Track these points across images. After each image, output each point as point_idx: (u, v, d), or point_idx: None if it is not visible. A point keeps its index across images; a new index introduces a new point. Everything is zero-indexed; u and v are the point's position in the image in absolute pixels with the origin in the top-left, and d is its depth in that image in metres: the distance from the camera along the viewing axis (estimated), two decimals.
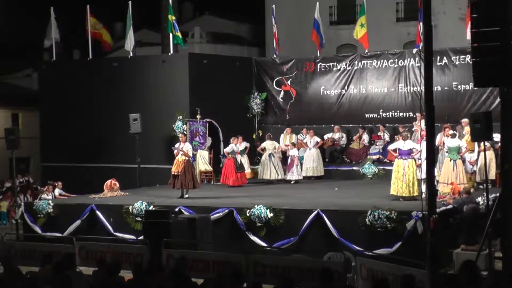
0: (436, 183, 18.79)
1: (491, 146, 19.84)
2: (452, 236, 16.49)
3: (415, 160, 18.14)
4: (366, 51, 26.40)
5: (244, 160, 24.32)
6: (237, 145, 23.73)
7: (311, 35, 27.34)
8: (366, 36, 26.11)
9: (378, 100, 26.14)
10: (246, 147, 24.38)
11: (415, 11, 24.48)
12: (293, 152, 24.07)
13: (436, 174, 18.88)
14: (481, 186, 19.00)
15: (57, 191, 22.72)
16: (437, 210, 13.83)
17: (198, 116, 24.64)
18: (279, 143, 25.12)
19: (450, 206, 17.19)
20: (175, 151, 20.55)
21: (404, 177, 18.17)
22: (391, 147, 19.67)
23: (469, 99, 24.51)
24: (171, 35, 25.98)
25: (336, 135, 26.13)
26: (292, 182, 23.84)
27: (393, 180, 18.47)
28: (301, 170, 24.32)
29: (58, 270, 10.95)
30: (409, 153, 18.28)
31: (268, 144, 24.52)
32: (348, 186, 22.70)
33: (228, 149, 23.71)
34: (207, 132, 24.90)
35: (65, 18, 27.99)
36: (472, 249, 15.01)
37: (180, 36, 25.53)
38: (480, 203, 17.09)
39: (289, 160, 24.14)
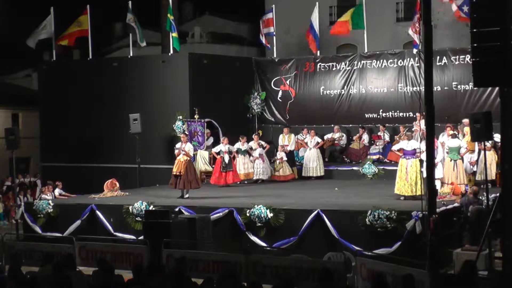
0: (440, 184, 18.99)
1: (492, 146, 19.84)
2: (455, 236, 16.49)
3: (421, 160, 18.12)
4: (366, 51, 26.43)
5: (246, 160, 24.34)
6: (226, 145, 23.53)
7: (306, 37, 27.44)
8: (338, 23, 26.38)
9: (378, 100, 26.14)
10: (249, 148, 24.47)
11: (415, 11, 24.46)
12: (257, 152, 24.16)
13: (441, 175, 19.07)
14: (482, 186, 19.00)
15: (57, 191, 22.76)
16: (437, 210, 13.84)
17: (196, 116, 24.64)
18: (278, 142, 25.20)
19: (456, 205, 17.19)
20: (176, 151, 20.57)
21: (407, 176, 18.21)
22: (395, 147, 19.68)
23: (469, 99, 24.52)
24: (171, 35, 26.00)
25: (336, 135, 26.14)
26: (259, 182, 24.13)
27: (397, 180, 18.55)
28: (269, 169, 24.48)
29: (58, 270, 10.96)
30: (413, 153, 18.32)
31: (255, 144, 24.64)
32: (348, 186, 22.68)
33: (215, 149, 23.71)
34: (205, 132, 24.87)
35: (65, 18, 27.94)
36: (472, 249, 15.01)
37: (176, 36, 25.54)
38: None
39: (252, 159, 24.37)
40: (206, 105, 25.23)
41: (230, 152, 23.47)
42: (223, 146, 23.50)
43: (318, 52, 27.25)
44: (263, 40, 27.62)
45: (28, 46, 27.65)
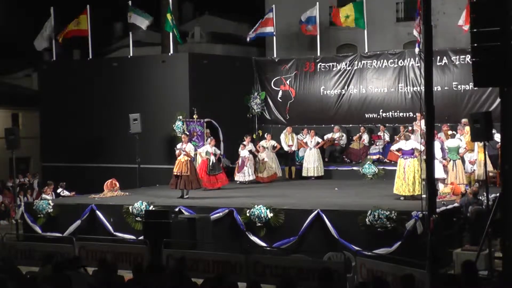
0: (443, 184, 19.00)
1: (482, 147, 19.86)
2: (455, 236, 16.49)
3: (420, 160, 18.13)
4: (366, 51, 26.45)
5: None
6: (212, 146, 23.17)
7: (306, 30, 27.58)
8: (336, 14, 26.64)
9: (378, 100, 26.15)
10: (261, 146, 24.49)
11: (415, 11, 24.47)
12: (244, 153, 23.96)
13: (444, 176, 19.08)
14: (480, 183, 19.04)
15: (65, 192, 23.04)
16: (437, 210, 13.84)
17: (195, 116, 24.63)
18: (279, 142, 25.26)
19: (456, 205, 17.19)
20: (177, 152, 20.56)
21: (405, 176, 18.22)
22: (394, 147, 19.71)
23: (469, 99, 24.52)
24: (171, 35, 25.99)
25: (336, 135, 26.14)
26: (238, 182, 23.83)
27: (396, 180, 18.58)
28: (253, 171, 24.16)
29: (58, 270, 10.95)
30: (411, 152, 18.35)
31: (267, 144, 24.64)
32: (348, 186, 22.69)
33: (201, 150, 23.11)
34: (205, 131, 24.85)
35: (65, 18, 27.92)
36: (472, 249, 15.01)
37: (177, 34, 25.56)
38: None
39: (240, 161, 24.04)
40: (206, 105, 25.22)
41: (215, 154, 23.14)
42: (209, 148, 23.16)
43: (318, 51, 27.25)
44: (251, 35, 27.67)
45: (28, 46, 27.67)
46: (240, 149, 24.09)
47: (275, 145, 25.00)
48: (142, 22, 26.53)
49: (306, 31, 27.54)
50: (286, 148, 25.27)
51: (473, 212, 16.27)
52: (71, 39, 28.02)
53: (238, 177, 24.00)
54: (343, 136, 26.16)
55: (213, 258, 16.48)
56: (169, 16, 25.59)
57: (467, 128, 20.25)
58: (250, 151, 24.23)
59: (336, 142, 26.14)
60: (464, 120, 21.46)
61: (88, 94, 27.00)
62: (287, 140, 25.33)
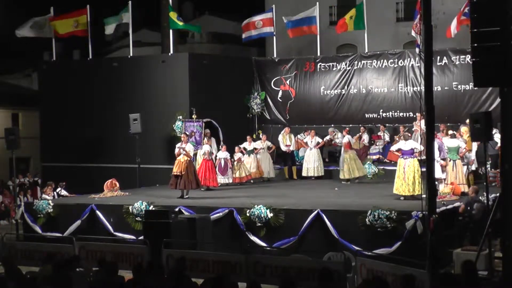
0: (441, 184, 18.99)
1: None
2: (455, 236, 16.48)
3: (420, 160, 18.13)
4: (366, 51, 26.45)
5: (251, 159, 24.28)
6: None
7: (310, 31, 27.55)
8: (341, 23, 26.58)
9: (378, 100, 26.17)
10: (255, 148, 24.41)
11: (415, 11, 24.48)
12: (224, 155, 23.57)
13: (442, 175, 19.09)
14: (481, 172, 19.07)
15: (63, 191, 23.00)
16: (437, 210, 13.83)
17: (194, 116, 24.62)
18: (277, 143, 25.27)
19: (456, 204, 17.17)
20: (177, 151, 20.57)
21: (405, 176, 18.23)
22: (393, 148, 19.73)
23: (469, 99, 24.54)
24: (171, 35, 25.98)
25: (333, 136, 26.18)
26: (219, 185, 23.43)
27: (395, 179, 18.59)
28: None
29: (58, 270, 10.96)
30: (411, 152, 18.38)
31: (262, 144, 24.67)
32: (348, 186, 22.71)
33: (206, 149, 23.11)
34: (203, 132, 24.82)
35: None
36: (472, 249, 15.01)
37: (182, 24, 25.55)
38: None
39: (222, 163, 23.52)
40: (206, 105, 25.23)
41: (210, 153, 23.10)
42: (210, 147, 23.20)
43: (318, 51, 27.25)
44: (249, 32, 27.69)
45: (28, 46, 27.65)
46: (221, 151, 23.71)
47: (270, 146, 24.99)
48: (111, 28, 26.63)
49: (294, 34, 27.54)
50: (284, 149, 25.28)
51: (480, 209, 16.18)
52: (70, 38, 28.04)
53: (223, 179, 23.57)
54: (336, 134, 26.12)
55: (213, 258, 16.48)
56: (173, 15, 25.54)
57: (464, 128, 20.27)
58: (253, 151, 24.26)
59: (333, 143, 26.16)
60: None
61: (88, 94, 27.01)
62: (285, 141, 25.33)
